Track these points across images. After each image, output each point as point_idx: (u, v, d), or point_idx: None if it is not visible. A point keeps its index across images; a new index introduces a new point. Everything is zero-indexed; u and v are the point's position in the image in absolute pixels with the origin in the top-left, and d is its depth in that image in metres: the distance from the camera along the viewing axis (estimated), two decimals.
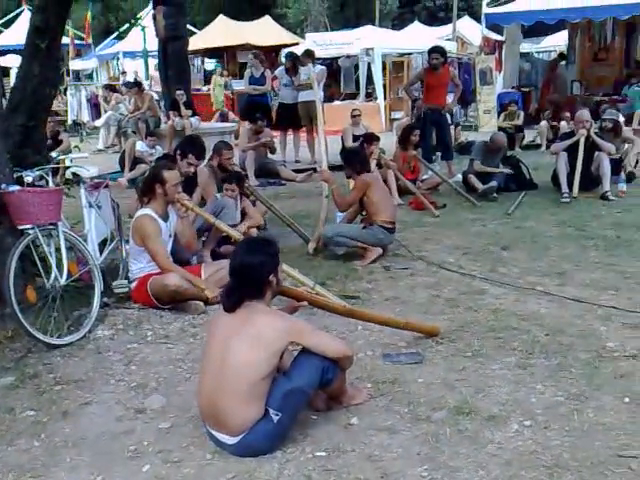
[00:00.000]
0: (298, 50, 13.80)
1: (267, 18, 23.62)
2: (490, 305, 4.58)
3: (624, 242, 5.99)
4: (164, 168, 4.73)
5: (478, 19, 24.81)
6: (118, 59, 22.82)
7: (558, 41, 21.25)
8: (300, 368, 2.96)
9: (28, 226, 4.09)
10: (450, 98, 10.16)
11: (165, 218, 4.77)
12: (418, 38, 20.00)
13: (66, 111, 17.46)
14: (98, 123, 14.86)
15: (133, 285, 4.77)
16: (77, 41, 22.85)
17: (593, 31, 16.80)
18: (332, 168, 7.83)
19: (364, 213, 5.99)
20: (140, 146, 10.18)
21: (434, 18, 32.43)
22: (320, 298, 3.85)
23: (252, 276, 2.98)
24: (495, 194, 8.10)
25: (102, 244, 5.14)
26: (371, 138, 8.18)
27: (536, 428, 3.02)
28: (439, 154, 9.84)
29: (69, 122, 17.09)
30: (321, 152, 6.61)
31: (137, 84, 13.82)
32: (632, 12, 14.20)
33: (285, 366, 3.03)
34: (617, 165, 8.33)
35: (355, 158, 6.05)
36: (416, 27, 25.20)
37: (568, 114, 12.36)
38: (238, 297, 2.98)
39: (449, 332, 4.10)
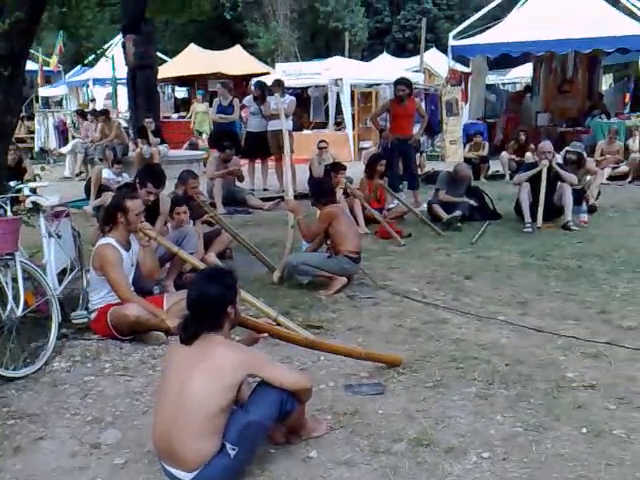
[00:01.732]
0: (268, 79, 13.90)
1: (238, 47, 23.85)
2: (452, 334, 4.60)
3: (585, 272, 6.06)
4: (126, 197, 4.69)
5: (445, 51, 25.28)
6: (88, 86, 22.76)
7: (523, 73, 21.72)
8: (258, 401, 2.93)
9: None
10: (416, 129, 10.28)
11: (127, 247, 4.72)
12: (386, 69, 20.27)
13: (32, 138, 17.34)
14: (64, 150, 14.76)
15: (93, 315, 4.69)
16: (46, 68, 22.75)
17: (555, 64, 17.21)
18: (301, 197, 7.89)
19: (329, 242, 5.99)
20: (107, 173, 10.10)
21: (403, 50, 33.02)
22: (281, 329, 3.83)
23: (210, 308, 2.95)
24: (459, 223, 8.17)
25: (62, 274, 5.06)
26: (337, 167, 8.25)
27: (495, 460, 3.02)
28: (405, 183, 9.94)
29: (36, 149, 16.97)
30: (288, 181, 6.63)
31: (104, 112, 13.80)
32: (593, 46, 14.60)
33: (243, 399, 2.99)
34: (579, 195, 8.45)
35: (321, 189, 6.07)
36: (385, 58, 25.60)
37: (533, 145, 12.58)
38: (195, 329, 2.95)
39: (411, 362, 4.10)
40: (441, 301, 5.37)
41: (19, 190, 4.68)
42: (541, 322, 4.80)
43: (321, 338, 4.36)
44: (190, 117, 18.07)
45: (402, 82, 9.54)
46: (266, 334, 3.45)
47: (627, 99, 19.62)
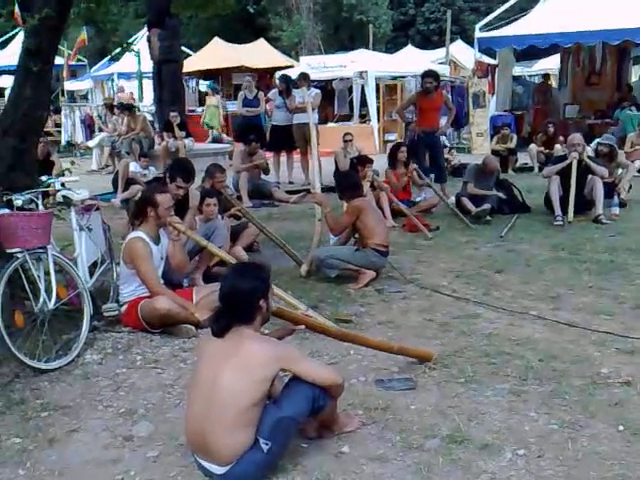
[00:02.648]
0: (292, 72, 13.88)
1: (262, 41, 23.84)
2: (484, 329, 4.55)
3: (617, 266, 5.96)
4: (156, 191, 4.71)
5: (471, 43, 25.00)
6: (113, 80, 22.89)
7: (550, 64, 21.43)
8: (290, 396, 2.92)
9: (17, 250, 4.04)
10: (443, 121, 10.19)
11: (157, 241, 4.74)
12: (411, 62, 20.13)
13: (59, 132, 17.49)
14: (91, 144, 14.86)
15: (123, 308, 4.72)
16: (71, 62, 22.95)
17: (583, 55, 16.97)
18: (326, 190, 7.87)
19: (357, 236, 5.96)
20: (133, 167, 10.16)
21: (427, 42, 32.79)
22: (315, 321, 3.81)
23: (242, 301, 2.94)
24: (488, 217, 8.09)
25: (93, 266, 5.09)
26: (364, 161, 8.20)
27: (530, 457, 2.98)
28: (432, 176, 9.85)
29: (63, 143, 17.11)
30: (314, 174, 6.60)
31: (131, 106, 13.87)
32: (623, 37, 14.31)
33: (276, 393, 2.99)
34: (610, 188, 8.34)
35: (348, 183, 6.04)
36: (409, 51, 25.40)
37: (562, 138, 12.42)
38: (227, 322, 2.94)
39: (442, 357, 4.06)
40: (471, 295, 5.32)
41: (49, 185, 4.71)
42: (574, 317, 4.73)
43: (352, 332, 4.33)
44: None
45: (429, 74, 9.46)
46: (303, 326, 3.43)
47: None
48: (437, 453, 3.04)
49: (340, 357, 4.13)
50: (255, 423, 2.82)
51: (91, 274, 4.95)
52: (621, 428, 3.16)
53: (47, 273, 4.15)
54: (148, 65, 15.14)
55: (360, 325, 4.72)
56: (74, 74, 24.73)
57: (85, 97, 24.49)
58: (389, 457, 3.03)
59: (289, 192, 10.27)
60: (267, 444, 2.81)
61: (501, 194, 8.57)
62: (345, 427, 3.24)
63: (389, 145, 15.63)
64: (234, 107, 18.22)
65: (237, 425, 2.78)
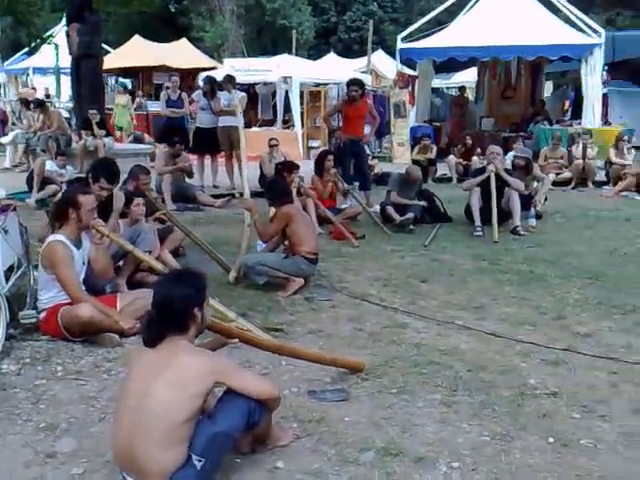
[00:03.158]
0: (217, 74, 13.68)
1: (184, 41, 23.49)
2: (412, 339, 4.58)
3: (537, 277, 6.14)
4: (79, 192, 4.50)
5: (391, 53, 25.45)
6: (28, 75, 22.00)
7: (466, 77, 22.03)
8: (225, 410, 2.83)
9: None
10: (367, 129, 10.28)
11: (78, 245, 4.52)
12: (334, 69, 20.28)
13: None
14: (4, 140, 14.20)
15: (42, 315, 4.49)
16: None
17: (499, 70, 17.53)
18: (252, 195, 7.75)
19: (286, 243, 5.91)
20: (50, 165, 9.77)
21: (349, 50, 33.17)
22: (250, 334, 3.73)
23: (176, 309, 2.83)
24: (412, 226, 8.19)
25: (8, 271, 4.82)
26: (291, 167, 8.16)
27: (464, 470, 3.00)
28: (357, 184, 9.91)
29: None
30: (242, 179, 6.50)
31: (40, 102, 13.34)
32: (538, 53, 14.92)
33: (209, 408, 2.89)
34: (526, 200, 8.60)
35: (277, 189, 5.98)
36: (332, 58, 25.61)
37: (479, 150, 12.77)
38: (160, 331, 2.82)
39: (374, 367, 4.05)
40: (399, 304, 5.35)
41: None
42: (498, 327, 4.83)
43: (281, 342, 4.27)
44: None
45: (355, 82, 9.53)
46: (236, 340, 3.34)
47: (566, 106, 20.19)
48: (373, 467, 3.02)
49: (272, 367, 4.06)
50: (188, 439, 2.71)
51: (7, 279, 4.69)
52: (551, 440, 3.22)
53: None
54: (66, 60, 14.63)
55: (290, 334, 4.66)
56: None
57: None
58: (325, 471, 2.99)
59: (214, 196, 10.12)
60: (200, 461, 2.71)
61: (423, 202, 8.70)
62: (279, 441, 3.17)
63: (313, 152, 15.76)
64: (155, 107, 17.86)
65: (169, 441, 2.67)
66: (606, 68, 14.80)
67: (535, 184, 9.18)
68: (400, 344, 4.48)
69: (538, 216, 8.65)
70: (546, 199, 9.33)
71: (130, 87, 23.92)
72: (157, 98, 19.94)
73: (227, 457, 2.95)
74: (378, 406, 3.60)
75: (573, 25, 15.25)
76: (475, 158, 12.53)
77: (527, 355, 4.30)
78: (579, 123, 15.17)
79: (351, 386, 3.83)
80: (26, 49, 16.09)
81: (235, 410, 2.82)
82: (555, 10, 16.13)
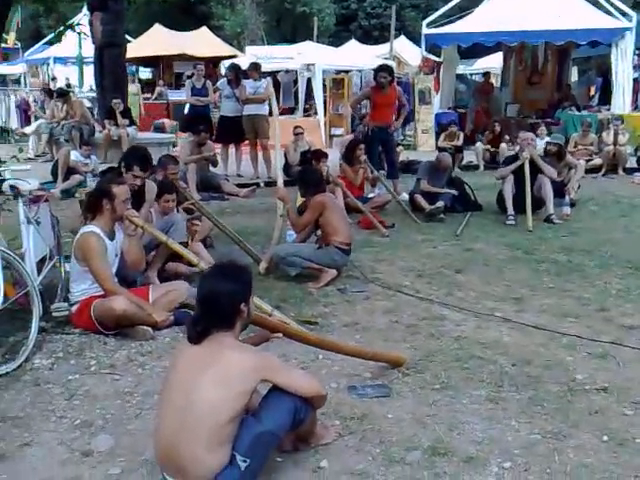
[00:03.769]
0: (238, 62, 13.55)
1: (205, 29, 23.38)
2: (452, 332, 4.44)
3: (576, 267, 5.97)
4: (113, 182, 4.41)
5: (412, 39, 25.17)
6: (48, 65, 22.02)
7: (490, 63, 21.69)
8: (270, 409, 2.72)
9: None
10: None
11: (111, 236, 4.44)
12: (356, 56, 20.06)
13: None
14: (28, 130, 14.19)
15: (74, 308, 4.41)
16: (3, 45, 21.96)
17: (526, 55, 17.21)
18: (274, 184, 7.64)
19: (319, 233, 5.79)
20: (74, 155, 9.71)
21: (369, 37, 32.81)
22: (293, 328, 3.62)
23: (222, 305, 2.72)
24: (442, 214, 8.04)
25: (40, 263, 4.75)
26: (319, 155, 8.03)
27: (517, 470, 2.87)
28: (383, 172, 9.75)
29: None
30: (276, 169, 6.40)
31: (66, 92, 13.31)
32: (567, 38, 14.62)
33: (253, 406, 2.78)
34: (559, 188, 8.41)
35: (311, 178, 5.85)
36: (353, 45, 25.33)
37: (507, 137, 12.55)
38: (205, 327, 2.72)
39: (414, 362, 3.93)
40: (435, 296, 5.21)
41: None
42: (540, 319, 4.68)
43: (318, 335, 4.16)
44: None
45: (384, 69, 9.32)
46: (280, 334, 3.23)
47: (592, 92, 19.83)
48: (420, 467, 2.90)
49: (309, 362, 3.95)
50: (232, 438, 2.61)
51: (39, 271, 4.62)
52: (605, 438, 3.08)
53: None
54: (88, 50, 14.58)
55: (326, 327, 4.54)
56: (6, 57, 23.71)
57: (17, 81, 23.49)
58: (371, 472, 2.88)
59: (238, 185, 10.02)
60: (245, 461, 2.61)
61: (454, 191, 8.54)
62: (322, 439, 3.07)
63: (335, 140, 15.61)
64: (176, 96, 17.80)
65: (214, 441, 2.57)
66: (637, 52, 14.46)
67: (568, 171, 8.95)
68: (439, 337, 4.35)
69: (572, 204, 8.44)
70: (579, 186, 9.11)
71: (151, 76, 23.94)
72: (177, 87, 19.92)
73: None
74: (422, 402, 3.47)
75: (601, 8, 14.92)
76: (503, 145, 12.30)
77: (572, 348, 4.15)
78: (608, 109, 14.90)
79: (392, 381, 3.71)
80: (47, 38, 16.06)
81: (281, 408, 2.71)
82: None
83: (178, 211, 5.77)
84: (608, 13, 14.65)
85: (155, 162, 6.40)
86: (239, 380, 2.61)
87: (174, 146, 11.96)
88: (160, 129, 16.11)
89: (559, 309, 4.90)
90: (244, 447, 2.61)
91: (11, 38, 21.28)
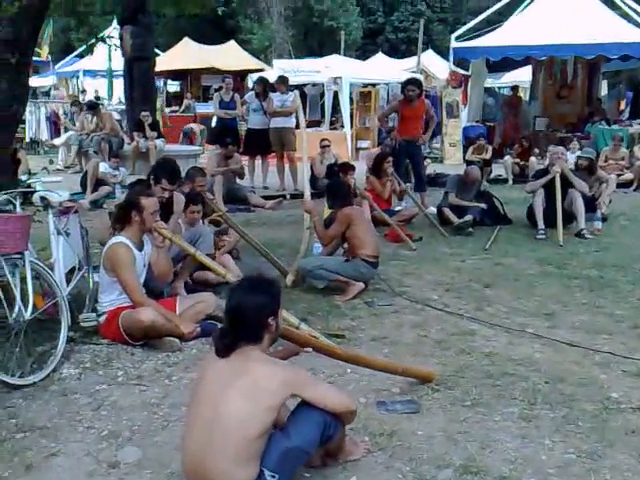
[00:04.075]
0: (268, 76, 13.63)
1: (232, 43, 23.55)
2: (482, 348, 4.37)
3: (608, 283, 5.86)
4: (142, 194, 4.42)
5: (440, 53, 25.16)
6: (78, 77, 22.32)
7: (519, 76, 21.55)
8: (299, 424, 2.68)
9: None
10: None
11: (140, 247, 4.44)
12: (383, 69, 20.07)
13: (23, 128, 16.91)
14: (57, 142, 14.37)
15: (102, 318, 4.41)
16: (36, 58, 22.31)
17: (555, 69, 17.06)
18: (301, 196, 7.62)
19: (346, 246, 5.75)
20: (103, 167, 9.80)
21: (395, 50, 32.86)
22: (323, 343, 3.57)
23: (249, 318, 2.69)
24: (471, 228, 7.95)
25: (69, 273, 4.76)
26: (347, 168, 8.02)
27: None
28: (410, 185, 9.69)
29: (27, 140, 16.52)
30: (304, 181, 6.39)
31: (96, 104, 13.46)
32: (597, 52, 14.42)
33: (282, 420, 2.74)
34: (590, 202, 8.29)
35: (339, 190, 5.82)
36: (380, 58, 25.36)
37: (537, 150, 12.43)
38: (233, 341, 2.69)
39: (444, 378, 3.86)
40: (464, 310, 5.14)
41: (29, 185, 4.39)
42: (573, 336, 4.58)
43: (345, 348, 4.11)
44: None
45: (412, 82, 9.28)
46: (310, 348, 3.19)
47: (622, 106, 19.60)
48: None
49: (337, 376, 3.90)
50: (260, 453, 2.58)
51: (67, 281, 4.63)
52: None
53: (23, 280, 3.83)
54: (118, 63, 14.75)
55: (354, 341, 4.50)
56: (36, 70, 24.04)
57: (47, 94, 23.82)
58: None
59: (264, 197, 10.02)
60: (274, 477, 2.57)
61: (483, 205, 8.45)
62: (351, 455, 3.01)
63: (361, 152, 15.59)
64: (204, 109, 17.94)
65: (242, 456, 2.53)
66: None
67: (599, 185, 8.82)
68: (470, 353, 4.27)
69: (603, 219, 8.31)
70: (610, 201, 8.97)
71: (178, 89, 24.16)
72: (205, 100, 20.08)
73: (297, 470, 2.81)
74: (452, 419, 3.41)
75: (632, 22, 14.75)
76: (533, 159, 12.19)
77: (607, 366, 4.06)
78: (639, 123, 14.69)
79: (422, 397, 3.64)
80: (77, 51, 16.30)
81: (310, 424, 2.67)
82: (613, 6, 15.64)
83: (204, 222, 5.76)
84: (639, 26, 14.48)
85: (183, 174, 6.45)
86: (267, 394, 2.57)
87: (202, 152, 12.00)
88: (188, 135, 16.25)
89: (592, 325, 4.80)
90: (272, 462, 2.58)
91: (44, 51, 21.60)
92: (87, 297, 4.79)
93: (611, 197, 9.08)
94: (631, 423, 3.34)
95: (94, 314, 4.46)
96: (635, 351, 4.28)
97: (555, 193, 7.70)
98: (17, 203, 4.00)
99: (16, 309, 3.75)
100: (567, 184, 7.95)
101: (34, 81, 22.29)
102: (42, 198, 4.44)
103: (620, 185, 11.43)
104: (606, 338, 4.55)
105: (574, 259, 6.72)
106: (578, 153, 9.72)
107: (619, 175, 11.60)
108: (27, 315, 3.79)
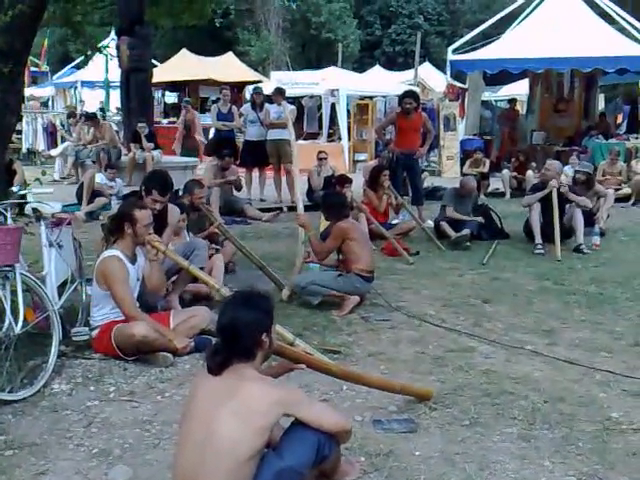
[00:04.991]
0: (263, 88, 13.60)
1: (230, 54, 23.54)
2: (481, 365, 4.30)
3: (607, 299, 5.80)
4: (135, 206, 4.36)
5: (437, 66, 25.20)
6: (76, 88, 22.31)
7: (516, 90, 21.58)
8: (293, 444, 2.60)
9: None
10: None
11: (133, 260, 4.38)
12: (381, 82, 20.08)
13: (20, 139, 16.87)
14: (54, 152, 14.31)
15: (94, 333, 4.34)
16: (32, 68, 22.31)
17: (552, 82, 17.07)
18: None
19: (340, 258, 5.69)
20: (100, 178, 9.74)
21: (393, 63, 32.93)
22: (318, 360, 3.51)
23: (242, 336, 2.61)
24: (468, 242, 7.90)
25: (61, 286, 4.69)
26: (343, 180, 7.98)
27: None
28: (407, 198, 9.65)
29: (23, 150, 16.48)
30: (297, 194, 6.32)
31: (94, 115, 13.42)
32: (594, 65, 14.47)
33: (274, 440, 2.67)
34: (588, 217, 8.25)
35: (335, 203, 5.77)
36: (378, 71, 25.42)
37: (534, 164, 12.40)
38: (225, 358, 2.61)
39: (442, 396, 3.80)
40: (462, 326, 5.08)
41: (23, 196, 4.32)
42: (572, 354, 4.52)
43: (341, 364, 4.05)
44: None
45: (409, 95, 9.26)
46: (304, 365, 3.12)
47: (619, 120, 19.61)
48: None
49: (333, 393, 3.84)
50: (252, 475, 2.50)
51: (60, 294, 4.56)
52: None
53: (14, 293, 3.76)
54: (115, 74, 14.72)
55: (350, 357, 4.43)
56: (34, 81, 24.04)
57: (45, 104, 23.80)
58: None
59: (261, 209, 9.98)
60: None
61: (480, 219, 8.40)
62: (346, 475, 2.94)
63: (359, 165, 15.57)
64: (202, 120, 17.87)
65: (234, 477, 2.46)
66: None
67: (596, 200, 8.78)
68: (468, 370, 4.21)
69: (601, 233, 8.26)
70: (608, 216, 8.94)
71: (176, 100, 24.13)
72: (203, 111, 20.03)
73: None
74: (450, 439, 3.34)
75: (629, 36, 14.78)
76: (530, 172, 12.15)
77: (607, 385, 4.00)
78: (636, 137, 14.69)
79: (419, 416, 3.58)
80: (75, 62, 16.26)
81: (304, 444, 2.60)
82: (610, 20, 15.68)
83: (188, 232, 5.70)
84: (636, 41, 14.51)
85: (181, 186, 6.40)
86: (260, 415, 2.50)
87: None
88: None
89: (591, 343, 4.74)
90: None
91: (42, 64, 21.65)
92: (80, 311, 4.72)
93: (609, 212, 9.05)
94: (632, 445, 3.27)
95: (86, 328, 4.40)
96: (635, 369, 4.23)
97: (552, 208, 7.65)
98: (8, 215, 3.93)
99: (6, 323, 3.68)
100: (565, 199, 7.91)
101: (32, 92, 22.32)
102: (34, 209, 4.38)
103: (618, 200, 11.40)
104: (606, 356, 4.49)
105: (572, 274, 6.67)
106: (577, 167, 9.68)
107: (616, 189, 11.58)
108: (17, 329, 3.72)
